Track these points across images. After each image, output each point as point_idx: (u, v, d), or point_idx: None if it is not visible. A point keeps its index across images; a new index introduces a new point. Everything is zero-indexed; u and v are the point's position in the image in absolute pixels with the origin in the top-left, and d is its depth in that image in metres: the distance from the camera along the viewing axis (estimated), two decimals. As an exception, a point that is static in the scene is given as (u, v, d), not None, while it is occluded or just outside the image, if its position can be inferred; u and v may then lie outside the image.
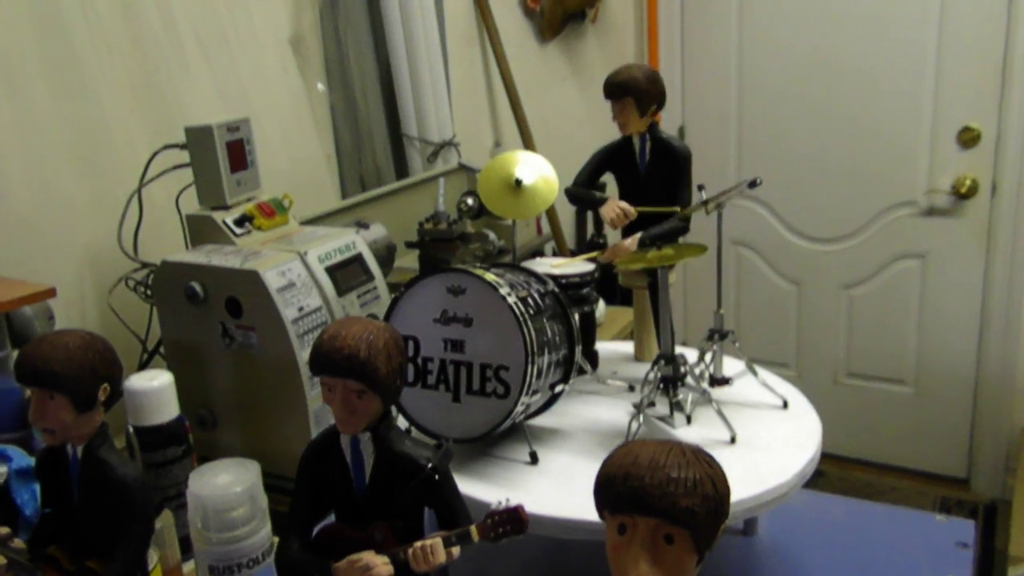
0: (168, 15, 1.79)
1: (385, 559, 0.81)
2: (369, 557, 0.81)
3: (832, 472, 3.45)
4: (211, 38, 1.89)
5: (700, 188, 1.22)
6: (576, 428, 1.19)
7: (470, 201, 1.90)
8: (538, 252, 2.30)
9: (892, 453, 3.39)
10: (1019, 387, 3.09)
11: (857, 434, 3.43)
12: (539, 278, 1.18)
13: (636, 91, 1.26)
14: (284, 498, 1.27)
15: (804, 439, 1.12)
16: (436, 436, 1.12)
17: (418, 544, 0.81)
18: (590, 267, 1.28)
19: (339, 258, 1.53)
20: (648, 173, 1.30)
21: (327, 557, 0.84)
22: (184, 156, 1.60)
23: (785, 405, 1.22)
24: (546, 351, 1.10)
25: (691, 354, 1.29)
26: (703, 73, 3.36)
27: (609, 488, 0.64)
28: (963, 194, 2.99)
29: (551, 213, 2.60)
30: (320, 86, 2.20)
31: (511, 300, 1.06)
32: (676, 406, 1.16)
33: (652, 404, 1.16)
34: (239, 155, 1.59)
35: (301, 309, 1.43)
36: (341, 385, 0.81)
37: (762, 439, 1.12)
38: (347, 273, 1.52)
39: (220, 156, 1.55)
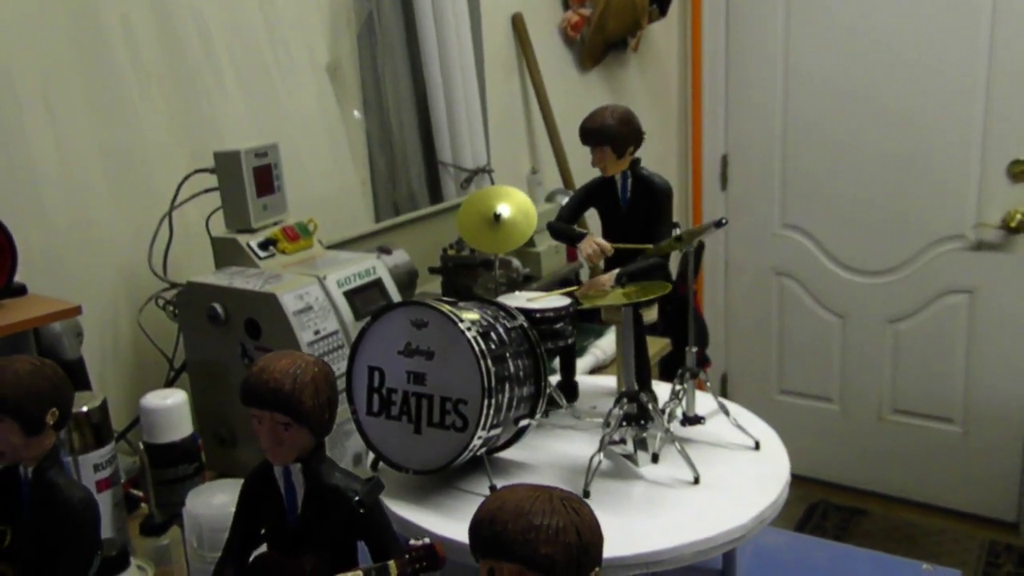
0: (207, 42, 1.85)
1: None
2: None
3: (876, 511, 3.36)
4: (249, 65, 1.94)
5: (675, 226, 1.22)
6: (542, 462, 1.19)
7: (497, 228, 1.91)
8: (570, 279, 2.29)
9: (939, 494, 3.28)
10: (1073, 430, 2.97)
11: (902, 473, 3.34)
12: (509, 313, 1.19)
13: (611, 138, 1.27)
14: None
15: (770, 482, 1.10)
16: (398, 467, 1.13)
17: None
18: (565, 302, 1.29)
19: (358, 283, 1.55)
20: (629, 209, 1.30)
21: None
22: (215, 180, 1.64)
23: (757, 446, 1.19)
24: (507, 386, 1.10)
25: (666, 391, 1.28)
26: (747, 102, 3.33)
27: (476, 533, 0.65)
28: (1013, 228, 2.90)
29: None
30: (356, 113, 2.24)
31: (470, 335, 1.07)
32: (640, 444, 1.16)
33: (623, 441, 1.15)
34: (266, 180, 1.62)
35: (317, 332, 1.45)
36: (268, 417, 0.84)
37: (727, 481, 1.11)
38: (366, 298, 1.54)
39: (247, 180, 1.58)
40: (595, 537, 0.66)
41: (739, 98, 3.35)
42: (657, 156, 3.33)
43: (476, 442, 1.08)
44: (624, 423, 1.14)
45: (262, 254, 1.58)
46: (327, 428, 0.87)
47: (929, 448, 3.26)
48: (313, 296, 1.47)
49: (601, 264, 1.28)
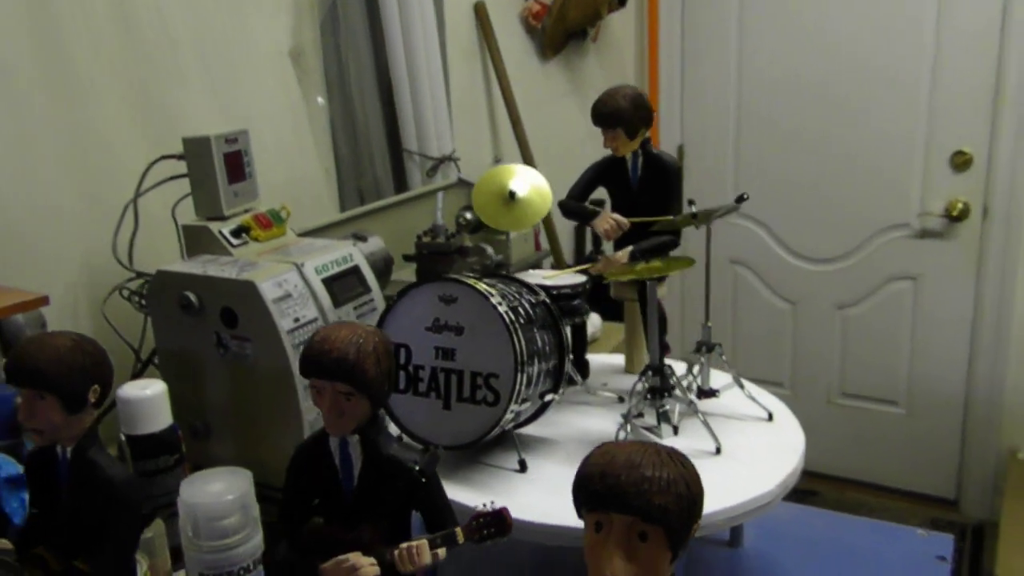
0: (168, 26, 1.80)
1: (372, 560, 0.82)
2: (356, 558, 0.82)
3: (826, 492, 3.46)
4: (211, 50, 1.90)
5: (691, 203, 1.24)
6: (565, 437, 1.21)
7: (468, 215, 1.91)
8: (535, 266, 2.31)
9: (884, 473, 3.39)
10: (1007, 409, 3.10)
11: (851, 454, 3.44)
12: (531, 289, 1.20)
13: (624, 121, 1.28)
14: (277, 509, 1.28)
15: (788, 451, 1.14)
16: (426, 443, 1.12)
17: (404, 545, 0.82)
18: (581, 279, 1.30)
19: (336, 270, 1.53)
20: (640, 187, 1.32)
21: (315, 557, 0.85)
22: (181, 167, 1.61)
23: (770, 417, 1.23)
24: (536, 360, 1.12)
25: (681, 367, 1.30)
26: (702, 94, 3.38)
27: (586, 486, 0.65)
28: (955, 217, 3.01)
29: (549, 227, 2.61)
30: (320, 100, 2.21)
31: (502, 309, 1.08)
32: (663, 416, 1.18)
33: (640, 415, 1.17)
34: (237, 166, 1.60)
35: (297, 320, 1.43)
36: (330, 387, 0.83)
37: (747, 450, 1.14)
38: (344, 285, 1.53)
39: (218, 167, 1.55)
40: (700, 489, 0.67)
41: (695, 90, 3.40)
42: (613, 146, 3.36)
43: (508, 416, 1.09)
44: (649, 396, 1.17)
45: (235, 242, 1.56)
46: (385, 398, 0.87)
47: (875, 430, 3.36)
48: (292, 283, 1.45)
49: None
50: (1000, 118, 2.85)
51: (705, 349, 1.25)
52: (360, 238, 1.69)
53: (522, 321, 1.11)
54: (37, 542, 0.91)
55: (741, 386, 1.26)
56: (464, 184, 2.41)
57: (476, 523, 0.83)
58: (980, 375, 3.11)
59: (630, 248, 1.29)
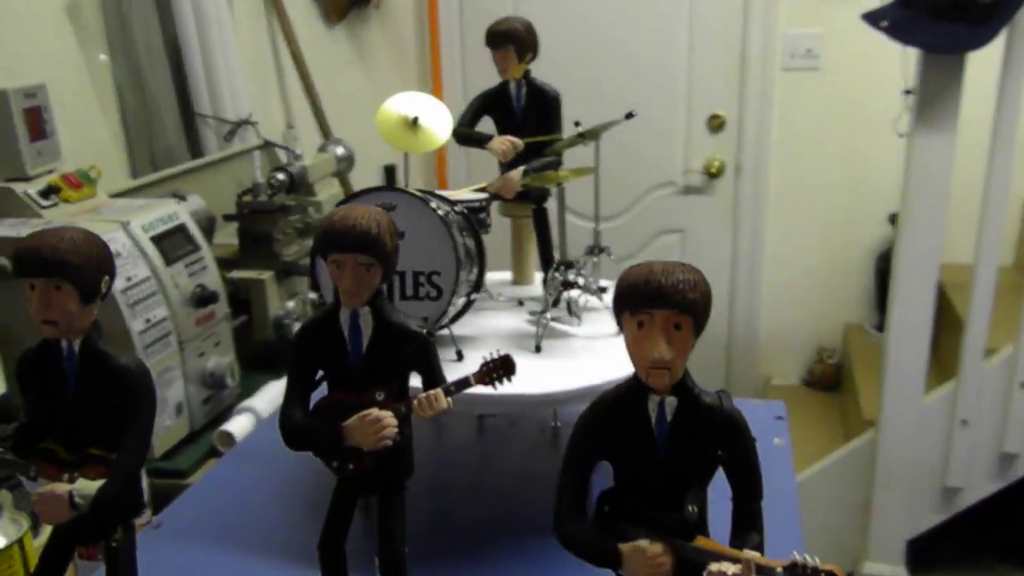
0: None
1: (390, 412, 0.89)
2: (377, 411, 0.89)
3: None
4: (-20, 0, 1.72)
5: (576, 124, 1.35)
6: (484, 334, 1.32)
7: (280, 176, 1.88)
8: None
9: (661, 411, 3.73)
10: (763, 343, 3.53)
11: (631, 397, 3.74)
12: (448, 201, 1.28)
13: (516, 39, 1.37)
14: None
15: None
16: None
17: (422, 395, 0.90)
18: (483, 196, 1.39)
19: (163, 228, 1.47)
20: (523, 115, 1.41)
21: (331, 421, 0.91)
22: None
23: None
24: (467, 261, 1.18)
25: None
26: (482, 63, 3.49)
27: (633, 292, 0.78)
28: (713, 174, 3.36)
29: (346, 187, 2.61)
30: (102, 57, 2.07)
31: (440, 212, 1.17)
32: (573, 304, 1.32)
33: (545, 311, 1.28)
34: (38, 123, 1.49)
35: (129, 279, 1.36)
36: (352, 260, 0.88)
37: None
38: (172, 243, 1.48)
39: (18, 123, 1.44)
40: (711, 290, 0.80)
41: (474, 58, 3.51)
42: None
43: (451, 309, 1.17)
44: (562, 287, 1.26)
45: (44, 203, 1.45)
46: (394, 270, 0.93)
47: (652, 372, 3.69)
48: (119, 243, 1.38)
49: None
50: (746, 85, 3.23)
51: (597, 251, 1.38)
52: (180, 197, 1.62)
53: (454, 226, 1.17)
54: (39, 439, 0.88)
55: None
56: (269, 146, 2.35)
57: (486, 368, 0.93)
58: (739, 315, 3.51)
59: (523, 167, 1.37)
